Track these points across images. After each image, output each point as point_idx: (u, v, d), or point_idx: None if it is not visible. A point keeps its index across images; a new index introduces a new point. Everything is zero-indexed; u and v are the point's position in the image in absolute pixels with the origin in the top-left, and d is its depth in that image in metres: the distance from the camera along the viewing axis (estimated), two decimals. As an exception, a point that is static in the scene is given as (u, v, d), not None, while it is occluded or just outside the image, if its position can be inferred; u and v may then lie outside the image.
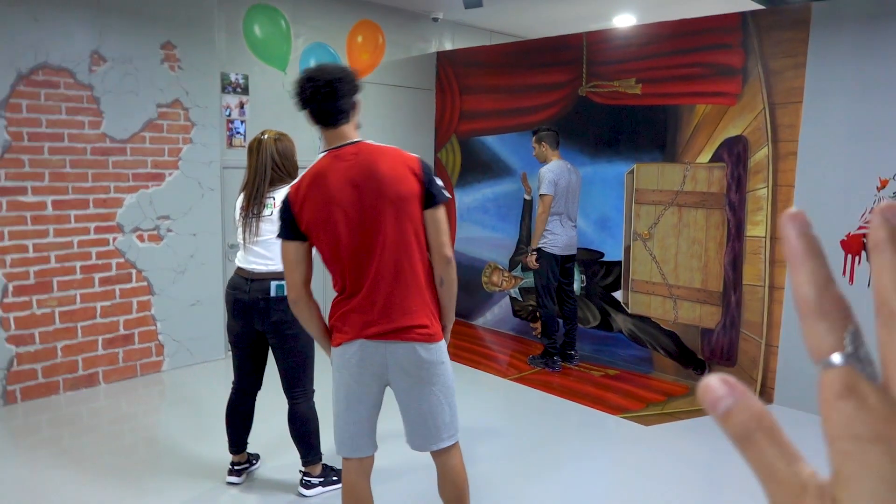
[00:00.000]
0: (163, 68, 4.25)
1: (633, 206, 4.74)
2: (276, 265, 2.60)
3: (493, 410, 3.92)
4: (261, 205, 2.72)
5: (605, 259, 4.95)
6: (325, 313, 2.13)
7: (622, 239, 4.83)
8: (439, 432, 2.09)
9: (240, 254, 2.82)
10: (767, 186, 4.08)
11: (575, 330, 4.82)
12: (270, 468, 3.15)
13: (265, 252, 2.72)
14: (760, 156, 4.09)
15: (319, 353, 2.92)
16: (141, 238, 4.28)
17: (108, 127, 4.07)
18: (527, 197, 5.41)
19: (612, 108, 4.81)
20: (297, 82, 2.03)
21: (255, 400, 2.98)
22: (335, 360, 2.09)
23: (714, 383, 0.32)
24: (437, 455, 2.16)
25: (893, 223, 0.30)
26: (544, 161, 4.55)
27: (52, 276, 3.94)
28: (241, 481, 3.01)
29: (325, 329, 2.13)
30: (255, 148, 2.77)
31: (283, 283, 2.54)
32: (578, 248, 4.88)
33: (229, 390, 2.98)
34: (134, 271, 4.27)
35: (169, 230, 4.39)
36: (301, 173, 2.11)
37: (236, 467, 3.01)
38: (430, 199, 2.02)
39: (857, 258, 3.73)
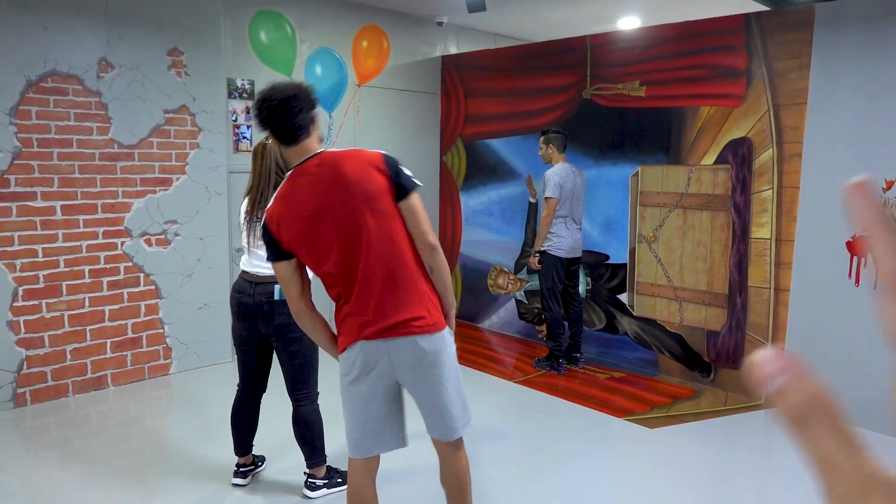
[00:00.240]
0: (170, 74, 4.30)
1: (637, 209, 4.75)
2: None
3: (498, 413, 3.93)
4: (265, 209, 2.74)
5: (610, 261, 4.96)
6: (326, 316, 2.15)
7: (627, 241, 4.83)
8: (455, 422, 2.11)
9: (244, 257, 2.85)
10: (772, 188, 4.07)
11: (580, 333, 4.82)
12: (275, 470, 3.17)
13: (269, 256, 2.75)
14: (765, 157, 4.09)
15: (324, 356, 2.94)
16: (149, 242, 4.32)
17: (116, 133, 4.12)
18: (532, 200, 5.42)
19: (616, 110, 4.81)
20: (254, 104, 2.07)
21: (260, 402, 3.00)
22: (340, 366, 2.11)
23: (767, 357, 0.27)
24: (441, 444, 2.17)
25: (875, 203, 0.26)
26: (549, 162, 4.57)
27: (62, 280, 3.99)
28: (247, 483, 3.03)
29: (332, 337, 2.16)
30: (260, 153, 2.80)
31: None
32: (584, 251, 4.88)
33: (235, 394, 3.01)
34: (142, 275, 4.32)
35: (176, 234, 4.44)
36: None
37: (242, 469, 3.04)
38: (400, 191, 2.02)
39: (863, 260, 3.72)
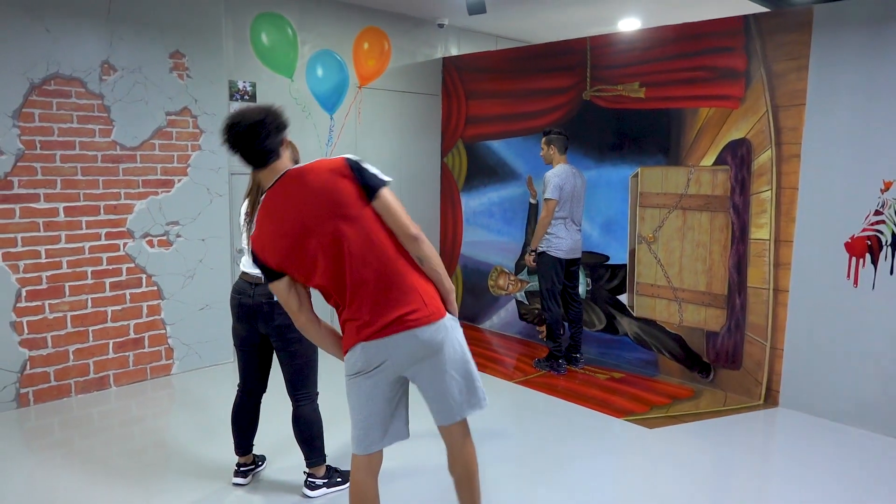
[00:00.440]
0: (172, 77, 4.33)
1: (637, 210, 4.76)
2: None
3: (498, 413, 3.95)
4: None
5: (610, 262, 4.97)
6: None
7: (627, 242, 4.84)
8: (456, 405, 2.13)
9: (244, 259, 2.87)
10: (771, 189, 4.08)
11: (580, 333, 4.84)
12: (275, 469, 3.19)
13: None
14: (764, 158, 4.10)
15: (323, 357, 2.97)
16: (151, 243, 4.35)
17: (119, 135, 4.15)
18: (532, 201, 5.44)
19: (616, 111, 4.83)
20: (221, 129, 2.09)
21: (260, 402, 3.03)
22: (345, 368, 2.14)
23: None
24: (448, 432, 2.19)
25: None
26: (550, 163, 4.59)
27: (64, 282, 4.02)
28: (247, 482, 3.06)
29: (339, 341, 2.19)
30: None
31: None
32: (583, 252, 4.89)
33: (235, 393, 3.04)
34: (144, 276, 4.35)
35: (178, 235, 4.46)
36: None
37: (242, 468, 3.06)
38: (369, 191, 2.02)
39: (861, 260, 3.73)
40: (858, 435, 3.70)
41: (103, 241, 4.16)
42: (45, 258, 3.94)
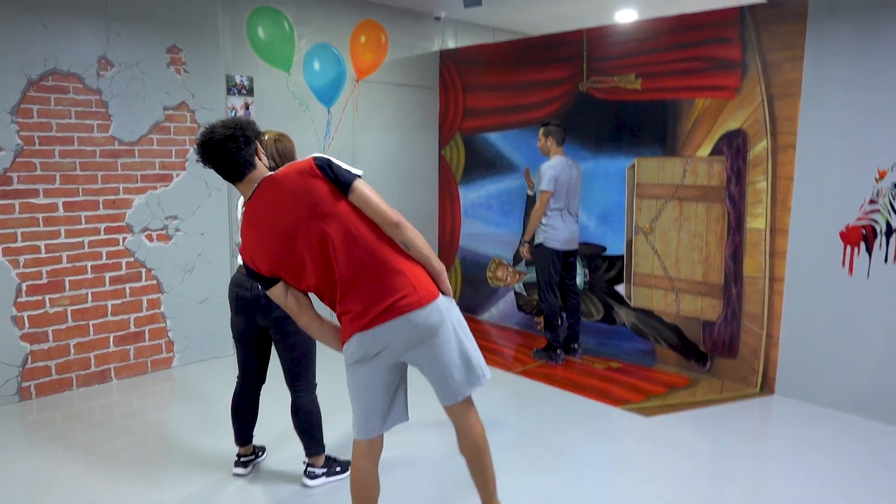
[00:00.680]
0: (169, 72, 4.34)
1: (634, 201, 4.78)
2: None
3: (497, 403, 3.98)
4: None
5: (607, 253, 4.99)
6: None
7: (624, 233, 4.86)
8: (457, 385, 2.16)
9: (242, 251, 2.89)
10: (767, 179, 4.10)
11: (578, 324, 4.87)
12: (275, 460, 3.23)
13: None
14: (759, 149, 4.11)
15: (321, 348, 2.99)
16: (150, 238, 4.38)
17: (117, 130, 4.17)
18: (530, 192, 5.46)
19: (612, 103, 4.84)
20: (195, 147, 2.13)
21: (259, 394, 3.06)
22: (344, 359, 2.17)
23: None
24: (452, 412, 2.22)
25: None
26: (546, 154, 4.61)
27: (65, 276, 4.05)
28: (248, 473, 3.09)
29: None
30: (256, 148, 2.84)
31: None
32: (581, 243, 4.92)
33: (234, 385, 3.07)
34: (143, 270, 4.37)
35: (177, 230, 4.49)
36: None
37: (242, 459, 3.09)
38: (342, 187, 2.05)
39: (855, 249, 3.75)
40: (853, 421, 3.73)
41: (103, 236, 4.18)
42: (45, 253, 3.96)
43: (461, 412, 2.22)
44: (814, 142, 3.87)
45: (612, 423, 3.78)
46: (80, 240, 4.09)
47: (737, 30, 4.14)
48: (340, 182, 2.05)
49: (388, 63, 5.62)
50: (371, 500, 2.22)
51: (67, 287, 4.07)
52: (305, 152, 3.07)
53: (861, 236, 3.73)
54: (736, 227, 4.27)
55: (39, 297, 3.96)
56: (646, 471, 3.18)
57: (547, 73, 5.25)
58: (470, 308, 6.04)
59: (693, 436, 3.59)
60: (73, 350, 4.12)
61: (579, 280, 5.14)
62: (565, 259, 4.69)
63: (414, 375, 2.30)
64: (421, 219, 5.96)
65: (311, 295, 2.22)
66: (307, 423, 2.93)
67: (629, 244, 4.85)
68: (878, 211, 3.66)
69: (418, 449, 3.34)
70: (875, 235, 3.68)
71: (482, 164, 5.88)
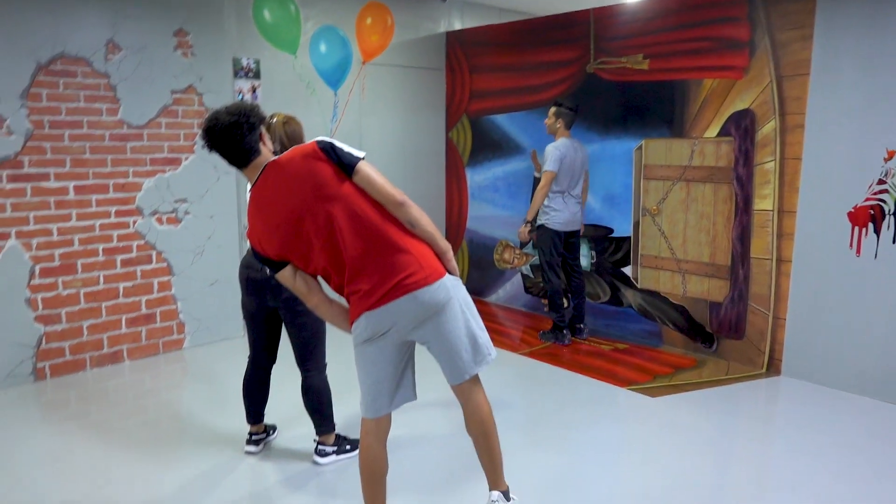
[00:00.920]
0: (176, 55, 4.35)
1: (641, 182, 4.78)
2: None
3: (504, 384, 4.02)
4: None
5: (614, 235, 5.00)
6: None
7: (631, 215, 4.87)
8: (464, 364, 2.18)
9: (252, 233, 2.93)
10: (775, 160, 4.09)
11: (583, 304, 4.89)
12: (286, 438, 3.28)
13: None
14: (768, 129, 4.10)
15: (331, 329, 3.03)
16: (160, 221, 4.42)
17: (125, 113, 4.20)
18: (537, 174, 5.46)
19: (619, 84, 4.82)
20: (200, 133, 2.15)
21: (270, 373, 3.10)
22: (352, 339, 2.20)
23: None
24: (460, 391, 2.24)
25: None
26: (552, 133, 4.61)
27: (77, 259, 4.10)
28: (259, 451, 3.15)
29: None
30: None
31: None
32: (587, 225, 4.93)
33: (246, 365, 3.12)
34: (154, 253, 4.42)
35: (186, 213, 4.53)
36: None
37: (254, 437, 3.15)
38: (346, 169, 2.07)
39: (863, 230, 3.75)
40: (860, 402, 3.75)
41: (113, 219, 4.23)
42: (57, 236, 4.01)
43: (468, 391, 2.24)
44: (822, 122, 3.85)
45: (618, 403, 3.82)
46: (91, 223, 4.13)
47: (745, 8, 4.11)
48: (344, 164, 2.07)
49: (395, 45, 5.61)
50: (379, 478, 2.26)
51: (80, 269, 4.12)
52: (312, 135, 3.07)
53: (869, 217, 3.73)
54: (743, 208, 4.26)
55: (52, 280, 4.02)
56: (651, 451, 3.22)
57: (554, 55, 5.23)
58: (477, 290, 6.07)
59: (699, 416, 3.62)
60: (86, 331, 4.19)
61: (586, 262, 5.16)
62: (567, 239, 4.72)
63: (420, 357, 2.33)
64: (428, 201, 5.97)
65: (320, 279, 2.24)
66: (317, 402, 2.97)
67: (636, 226, 4.85)
68: (887, 191, 3.65)
69: (425, 428, 3.39)
70: (883, 216, 3.68)
71: (489, 146, 5.88)
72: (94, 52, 4.02)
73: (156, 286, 4.46)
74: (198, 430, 3.42)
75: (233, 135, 2.08)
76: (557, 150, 4.48)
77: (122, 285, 4.31)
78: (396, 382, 2.20)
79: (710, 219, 4.44)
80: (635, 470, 3.03)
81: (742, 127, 4.21)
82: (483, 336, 2.23)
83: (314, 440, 3.07)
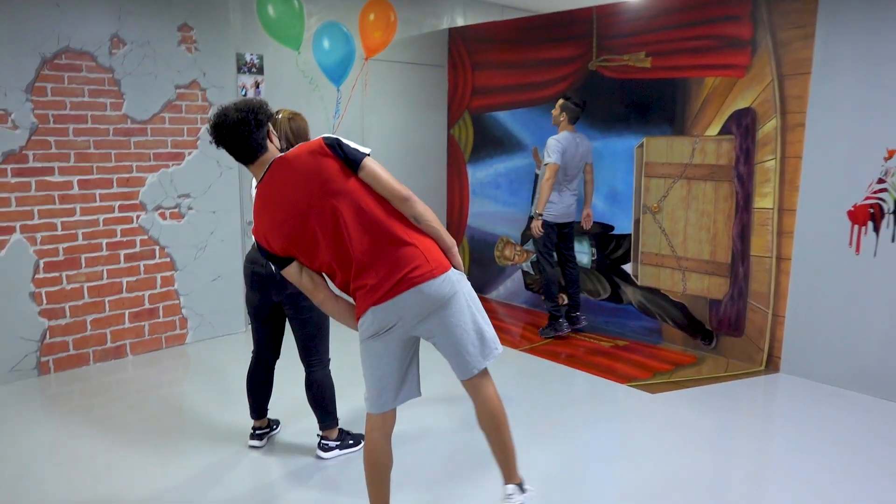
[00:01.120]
0: (180, 50, 4.36)
1: (642, 180, 4.80)
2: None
3: (505, 380, 4.01)
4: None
5: (615, 232, 5.03)
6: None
7: (632, 212, 4.89)
8: (472, 359, 2.19)
9: (257, 229, 2.95)
10: (776, 158, 4.11)
11: (578, 293, 4.93)
12: (290, 433, 3.31)
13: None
14: (769, 127, 4.12)
15: (334, 324, 3.05)
16: (163, 216, 4.43)
17: (129, 108, 4.21)
18: (538, 171, 5.48)
19: (622, 81, 4.84)
20: (208, 128, 2.17)
21: (273, 368, 3.13)
22: (359, 334, 2.21)
23: None
24: (470, 385, 2.25)
25: None
26: (556, 125, 4.64)
27: (80, 253, 4.12)
28: (263, 445, 3.17)
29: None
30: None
31: None
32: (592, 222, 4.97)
33: (250, 360, 3.14)
34: (157, 248, 4.44)
35: (189, 208, 4.54)
36: None
37: (258, 432, 3.17)
38: (352, 164, 2.10)
39: (863, 228, 3.77)
40: (858, 399, 3.79)
41: (117, 214, 4.24)
42: (62, 230, 4.03)
43: (479, 385, 2.25)
44: (823, 121, 3.87)
45: (619, 399, 3.85)
46: (95, 217, 4.15)
47: (748, 7, 4.13)
48: (350, 160, 2.10)
49: (397, 41, 5.62)
50: (384, 473, 2.28)
51: (84, 264, 4.14)
52: (315, 131, 3.10)
53: (868, 215, 3.75)
54: (744, 206, 4.29)
55: (57, 274, 4.04)
56: (651, 447, 3.24)
57: (556, 52, 5.24)
58: (478, 286, 6.10)
59: (698, 413, 3.65)
60: (89, 326, 4.21)
61: (587, 259, 5.18)
62: (561, 230, 4.75)
63: (423, 354, 2.34)
64: (429, 197, 5.99)
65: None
66: (321, 396, 3.00)
67: (637, 223, 4.88)
68: (886, 190, 3.67)
69: (429, 423, 3.41)
70: (882, 214, 3.70)
71: (491, 142, 5.89)
72: (98, 47, 4.03)
73: (159, 281, 4.48)
74: (201, 424, 3.44)
75: (240, 131, 2.10)
76: (559, 142, 4.51)
77: (125, 280, 4.33)
78: (401, 378, 2.22)
79: (710, 216, 4.46)
80: (635, 466, 3.06)
81: (743, 125, 4.23)
82: (489, 330, 2.25)
83: (317, 435, 3.10)
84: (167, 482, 2.88)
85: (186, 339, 4.66)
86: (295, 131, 2.86)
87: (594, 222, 5.05)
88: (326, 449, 3.06)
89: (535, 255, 5.61)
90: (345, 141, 2.13)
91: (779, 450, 3.26)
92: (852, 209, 3.80)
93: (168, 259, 4.50)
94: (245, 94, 4.81)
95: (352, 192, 2.09)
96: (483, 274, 6.10)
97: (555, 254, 4.82)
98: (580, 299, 4.96)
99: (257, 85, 4.85)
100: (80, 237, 4.11)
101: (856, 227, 3.79)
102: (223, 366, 4.27)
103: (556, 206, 4.64)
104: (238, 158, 2.17)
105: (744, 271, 4.33)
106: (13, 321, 3.91)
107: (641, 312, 4.93)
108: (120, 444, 3.21)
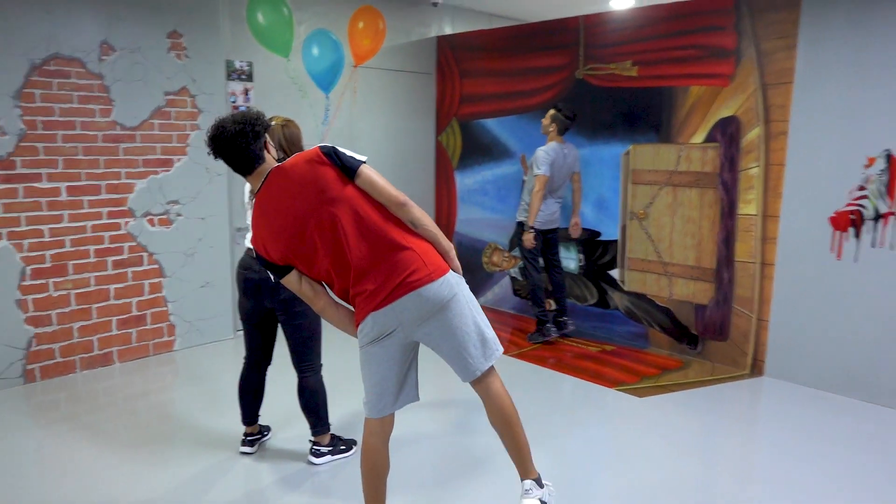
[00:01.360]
0: (170, 56, 4.36)
1: (629, 187, 4.86)
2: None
3: (493, 385, 4.06)
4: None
5: (602, 238, 5.08)
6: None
7: (619, 218, 4.95)
8: (474, 361, 2.20)
9: (249, 235, 2.95)
10: (759, 165, 4.19)
11: (564, 298, 4.98)
12: (281, 439, 3.31)
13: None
14: (753, 135, 4.20)
15: (327, 330, 3.07)
16: (151, 222, 4.42)
17: (118, 115, 4.20)
18: (526, 178, 5.52)
19: (608, 90, 4.91)
20: (206, 140, 2.20)
21: (265, 374, 3.13)
22: (358, 340, 2.23)
23: None
24: (476, 384, 2.27)
25: None
26: (545, 134, 4.70)
27: (68, 260, 4.09)
28: (254, 451, 3.17)
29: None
30: (262, 133, 2.88)
31: None
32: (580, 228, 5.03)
33: (239, 368, 3.13)
34: (145, 254, 4.42)
35: (178, 214, 4.53)
36: None
37: (249, 438, 3.17)
38: (348, 172, 2.13)
39: (844, 234, 3.85)
40: (841, 402, 3.86)
41: (105, 220, 4.22)
42: (49, 237, 4.00)
43: (486, 384, 2.26)
44: (805, 129, 3.95)
45: (607, 403, 3.89)
46: (82, 224, 4.13)
47: (732, 18, 4.21)
48: (346, 167, 2.13)
49: (386, 49, 5.65)
50: (381, 478, 2.29)
51: (71, 271, 4.11)
52: (304, 138, 3.12)
53: (850, 221, 3.83)
54: (728, 212, 4.36)
55: (43, 281, 4.00)
56: (639, 450, 3.28)
57: (544, 60, 5.30)
58: (466, 292, 6.12)
59: (685, 416, 3.70)
60: (76, 333, 4.17)
61: (574, 265, 5.24)
62: (545, 237, 4.81)
63: (421, 359, 2.35)
64: (417, 204, 5.99)
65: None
66: (313, 402, 3.00)
67: (623, 229, 4.94)
68: (867, 197, 3.76)
69: (426, 428, 3.43)
70: (863, 221, 3.78)
71: (479, 149, 5.94)
72: (88, 53, 4.02)
73: (147, 288, 4.46)
74: (190, 431, 3.43)
75: (238, 143, 2.13)
76: (548, 154, 4.57)
77: (113, 287, 4.30)
78: (400, 383, 2.23)
79: (695, 223, 4.53)
80: (624, 468, 3.09)
81: (728, 133, 4.31)
82: (490, 332, 2.26)
83: (309, 440, 3.10)
84: (157, 489, 2.86)
85: (174, 345, 4.64)
86: (288, 138, 2.88)
87: (581, 228, 5.10)
88: (318, 455, 3.07)
89: (522, 262, 5.65)
90: (341, 149, 2.16)
91: (764, 452, 3.31)
92: (834, 215, 3.88)
93: (156, 266, 4.48)
94: (235, 101, 4.81)
95: (349, 200, 2.11)
96: (471, 280, 6.09)
97: (541, 259, 4.88)
98: (567, 304, 5.02)
99: (247, 92, 4.86)
100: (68, 244, 4.08)
101: (837, 232, 3.88)
102: (212, 373, 4.26)
103: (541, 214, 4.70)
104: (236, 169, 2.20)
105: (728, 276, 4.40)
106: (-1, 328, 3.88)
107: (628, 317, 4.99)
108: (108, 452, 3.18)
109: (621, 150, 4.87)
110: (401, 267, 2.11)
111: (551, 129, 4.66)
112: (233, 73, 4.77)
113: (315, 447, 3.07)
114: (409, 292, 2.10)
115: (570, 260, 5.26)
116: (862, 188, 3.77)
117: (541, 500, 2.28)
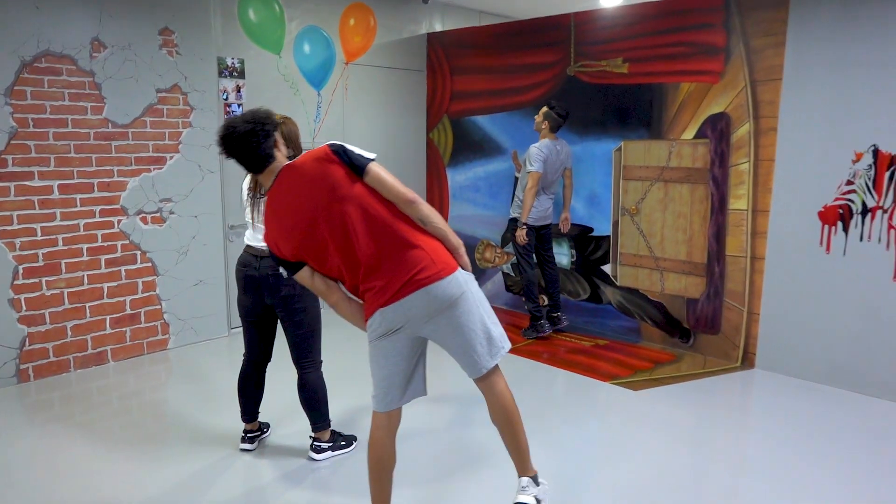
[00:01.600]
0: (161, 54, 4.34)
1: (620, 183, 4.91)
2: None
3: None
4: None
5: (594, 234, 5.13)
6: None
7: (611, 214, 5.00)
8: (480, 358, 2.22)
9: (248, 232, 2.96)
10: (749, 161, 4.25)
11: (558, 293, 5.02)
12: (281, 435, 3.31)
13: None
14: (742, 131, 4.26)
15: (326, 325, 3.08)
16: (144, 220, 4.40)
17: (110, 112, 4.17)
18: (518, 175, 5.55)
19: (599, 87, 4.95)
20: (217, 140, 2.22)
21: (265, 371, 3.13)
22: (367, 335, 2.25)
23: None
24: (480, 382, 2.29)
25: None
26: (537, 131, 4.73)
27: (61, 259, 4.06)
28: (254, 448, 3.17)
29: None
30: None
31: None
32: (571, 224, 5.06)
33: (234, 366, 3.14)
34: (139, 252, 4.40)
35: (171, 212, 4.51)
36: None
37: (249, 435, 3.17)
38: (357, 170, 2.15)
39: (833, 228, 3.92)
40: (831, 393, 3.93)
41: (98, 219, 4.19)
42: (41, 236, 3.97)
43: (490, 382, 2.29)
44: (794, 125, 4.02)
45: (602, 397, 3.93)
46: (75, 222, 4.10)
47: (721, 16, 4.26)
48: (355, 165, 2.15)
49: (377, 46, 5.65)
50: (387, 471, 2.31)
51: (64, 269, 4.08)
52: (301, 136, 3.13)
53: (838, 216, 3.90)
54: (719, 207, 4.42)
55: (36, 280, 3.97)
56: (634, 442, 3.33)
57: (535, 57, 5.33)
58: (458, 289, 6.14)
59: (678, 408, 3.75)
60: (70, 332, 4.15)
61: (567, 260, 5.28)
62: (538, 233, 4.85)
63: (428, 353, 2.37)
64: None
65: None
66: (313, 398, 3.01)
67: (615, 225, 4.98)
68: (855, 191, 3.83)
69: (432, 422, 3.44)
70: (851, 215, 3.86)
71: (470, 146, 5.96)
72: (79, 50, 3.99)
73: (140, 286, 4.43)
74: (188, 429, 3.42)
75: (249, 142, 2.15)
76: (540, 151, 4.60)
77: (106, 285, 4.28)
78: (408, 377, 2.25)
79: (686, 218, 4.59)
80: (619, 460, 3.13)
81: (718, 129, 4.37)
82: (496, 329, 2.28)
83: (309, 436, 3.11)
84: (157, 488, 2.86)
85: (168, 344, 4.62)
86: (286, 135, 2.87)
87: (573, 224, 5.15)
88: (319, 450, 3.08)
89: (514, 258, 5.69)
90: (350, 147, 2.18)
91: (755, 442, 3.37)
92: (823, 210, 3.95)
93: (149, 264, 4.46)
94: (226, 98, 4.79)
95: (358, 197, 2.13)
96: (463, 276, 6.14)
97: (534, 255, 4.91)
98: (560, 300, 5.06)
99: (238, 89, 4.84)
100: (61, 242, 4.05)
101: (826, 227, 3.95)
102: (206, 370, 4.25)
103: (534, 210, 4.73)
104: (248, 168, 2.22)
105: (719, 271, 4.46)
106: (-8, 328, 3.84)
107: (621, 312, 5.04)
108: (104, 451, 3.17)
109: (613, 146, 4.92)
110: (409, 264, 2.13)
111: (544, 127, 4.69)
112: (224, 71, 4.75)
113: (315, 443, 3.08)
114: (418, 289, 2.12)
115: (563, 255, 5.30)
116: (850, 183, 3.84)
117: (536, 498, 2.31)
